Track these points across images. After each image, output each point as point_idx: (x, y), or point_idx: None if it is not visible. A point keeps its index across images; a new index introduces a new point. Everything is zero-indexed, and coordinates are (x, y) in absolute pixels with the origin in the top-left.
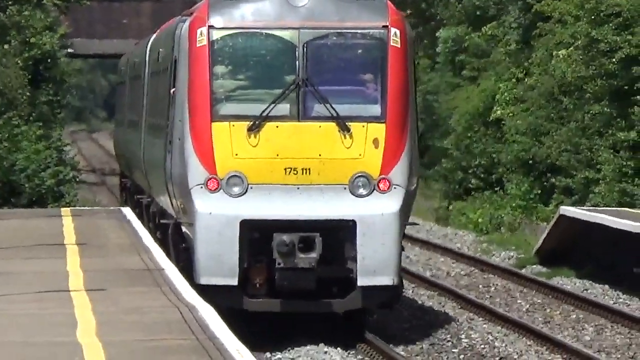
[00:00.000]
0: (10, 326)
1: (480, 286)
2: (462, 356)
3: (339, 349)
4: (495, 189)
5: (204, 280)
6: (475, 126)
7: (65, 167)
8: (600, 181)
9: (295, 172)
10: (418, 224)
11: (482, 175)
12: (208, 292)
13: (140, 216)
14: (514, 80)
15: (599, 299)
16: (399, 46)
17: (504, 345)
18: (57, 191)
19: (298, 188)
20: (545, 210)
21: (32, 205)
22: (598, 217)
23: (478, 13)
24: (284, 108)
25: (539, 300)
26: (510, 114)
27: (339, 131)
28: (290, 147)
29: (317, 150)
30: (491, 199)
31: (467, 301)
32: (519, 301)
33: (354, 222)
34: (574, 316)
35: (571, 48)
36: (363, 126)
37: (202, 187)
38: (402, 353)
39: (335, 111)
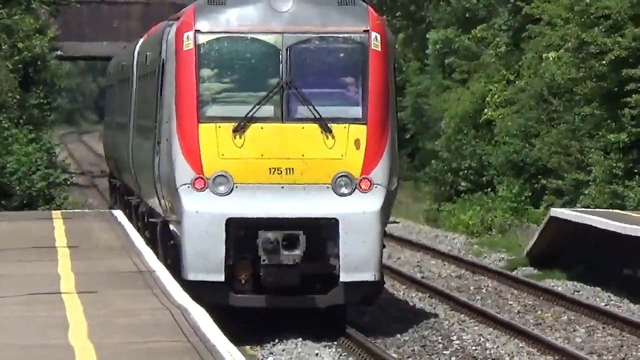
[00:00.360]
0: (0, 328)
1: (472, 288)
2: (453, 358)
3: (329, 350)
4: (486, 190)
5: (191, 277)
6: (465, 128)
7: (55, 169)
8: (591, 183)
9: (279, 171)
10: (398, 222)
11: (472, 177)
12: (195, 288)
13: (129, 216)
14: (504, 82)
15: (590, 301)
16: (379, 50)
17: (495, 346)
18: (48, 194)
19: (282, 187)
20: (536, 212)
21: (23, 207)
22: (588, 218)
23: (467, 15)
24: (268, 110)
25: (530, 302)
26: (501, 116)
27: (322, 132)
28: (274, 148)
29: (301, 150)
30: (481, 201)
31: (458, 303)
32: (510, 303)
33: (336, 221)
34: (565, 318)
35: (561, 50)
36: (345, 127)
37: (189, 187)
38: (394, 355)
39: (318, 113)
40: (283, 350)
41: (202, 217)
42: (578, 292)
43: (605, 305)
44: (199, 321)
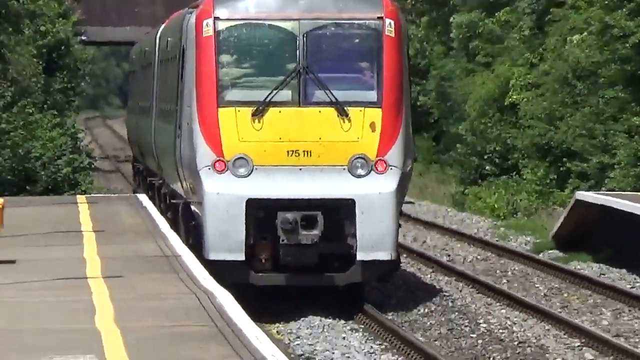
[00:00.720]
0: (26, 314)
1: (498, 271)
2: (480, 341)
3: (356, 334)
4: (511, 174)
5: (212, 256)
6: (490, 111)
7: (80, 154)
8: (615, 166)
9: (297, 154)
10: (413, 203)
11: (497, 161)
12: (216, 268)
13: (152, 198)
14: (528, 65)
15: (616, 284)
16: (393, 36)
17: (522, 330)
18: (73, 179)
19: (300, 169)
20: (562, 195)
21: (48, 193)
22: (613, 201)
23: None
24: (286, 94)
25: (556, 285)
26: (525, 99)
27: (338, 116)
28: (292, 131)
29: (318, 133)
30: (507, 185)
31: (484, 286)
32: (536, 286)
33: (353, 201)
34: (592, 301)
35: (585, 33)
36: (360, 111)
37: (209, 169)
38: (421, 338)
39: (334, 97)
40: (310, 335)
41: (223, 198)
42: (604, 274)
43: (632, 287)
44: (225, 305)
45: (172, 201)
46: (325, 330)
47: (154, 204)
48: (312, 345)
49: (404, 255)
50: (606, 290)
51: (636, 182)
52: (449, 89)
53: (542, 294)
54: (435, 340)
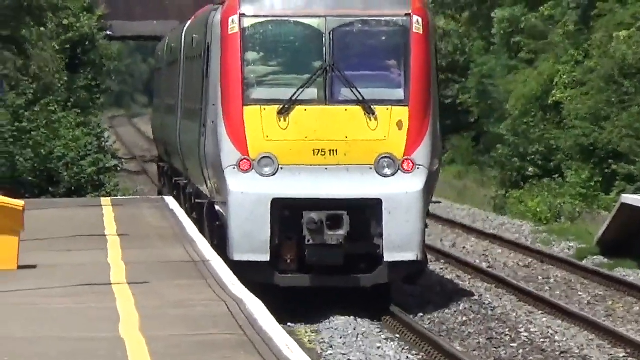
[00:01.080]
0: (47, 321)
1: (540, 278)
2: (521, 351)
3: (392, 343)
4: (554, 176)
5: (237, 257)
6: (532, 111)
7: (105, 155)
8: None
9: (323, 153)
10: (440, 202)
11: (540, 162)
12: (241, 268)
13: (177, 198)
14: (572, 62)
15: None
16: (421, 33)
17: (564, 339)
18: (97, 180)
19: (326, 168)
20: (607, 199)
21: (71, 194)
22: None
23: None
24: (312, 92)
25: (600, 293)
26: (569, 98)
27: (365, 114)
28: (318, 130)
29: (344, 132)
30: (550, 187)
31: (525, 293)
32: (579, 293)
33: (379, 201)
34: (637, 309)
35: (632, 29)
36: (387, 109)
37: (234, 168)
38: (459, 348)
39: (361, 95)
40: (343, 344)
41: (248, 197)
42: None
43: None
44: (255, 313)
45: (197, 201)
46: (359, 339)
47: (179, 204)
48: (345, 355)
49: (441, 261)
50: None
51: None
52: (489, 87)
53: (586, 301)
54: (474, 350)
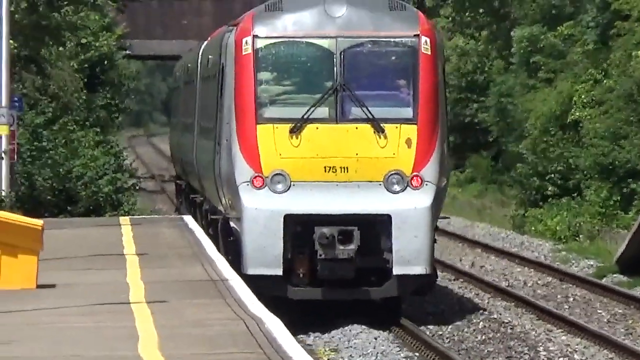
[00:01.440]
0: (66, 340)
1: (559, 296)
2: None
3: None
4: (573, 195)
5: (250, 271)
6: (551, 130)
7: (123, 174)
8: None
9: (334, 170)
10: (449, 218)
11: (559, 181)
12: (254, 282)
13: (194, 215)
14: (591, 81)
15: None
16: (429, 53)
17: (584, 358)
18: (115, 199)
19: (337, 185)
20: (626, 218)
21: (89, 214)
22: None
23: (554, 12)
24: (323, 111)
25: (620, 311)
26: (588, 117)
27: (374, 132)
28: (329, 147)
29: (354, 149)
30: (569, 206)
31: (545, 312)
32: (599, 312)
33: (389, 217)
34: None
35: None
36: (396, 127)
37: (248, 185)
38: None
39: (371, 113)
40: None
41: (261, 213)
42: None
43: None
44: (274, 332)
45: (212, 217)
46: (378, 357)
47: (196, 221)
48: None
49: (461, 280)
50: None
51: None
52: (508, 105)
53: (605, 320)
54: None
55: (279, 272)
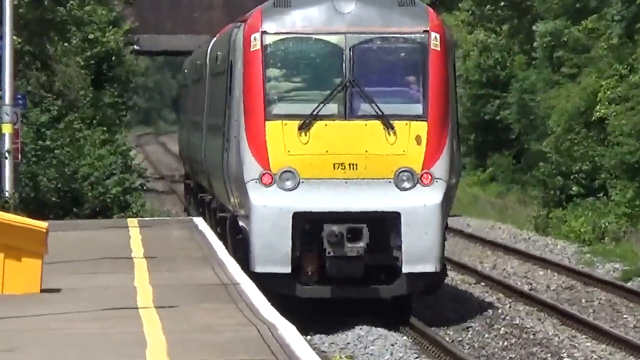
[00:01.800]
0: (71, 346)
1: (583, 300)
2: None
3: None
4: (598, 195)
5: (258, 269)
6: (575, 127)
7: (131, 174)
8: None
9: (343, 167)
10: (460, 215)
11: (583, 181)
12: (262, 280)
13: (202, 214)
14: (617, 77)
15: None
16: (439, 49)
17: None
18: (123, 200)
19: (346, 182)
20: None
21: (96, 215)
22: None
23: (578, 5)
24: (332, 107)
25: None
26: (614, 114)
27: (384, 129)
28: (338, 144)
29: (364, 146)
30: (594, 207)
31: (568, 317)
32: (625, 316)
33: (398, 214)
34: None
35: None
36: (406, 124)
37: (256, 182)
38: None
39: (380, 110)
40: None
41: (270, 211)
42: None
43: None
44: (287, 338)
45: (220, 214)
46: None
47: (204, 219)
48: None
49: (482, 283)
50: None
51: None
52: (531, 102)
53: (631, 325)
54: None
55: (288, 270)
